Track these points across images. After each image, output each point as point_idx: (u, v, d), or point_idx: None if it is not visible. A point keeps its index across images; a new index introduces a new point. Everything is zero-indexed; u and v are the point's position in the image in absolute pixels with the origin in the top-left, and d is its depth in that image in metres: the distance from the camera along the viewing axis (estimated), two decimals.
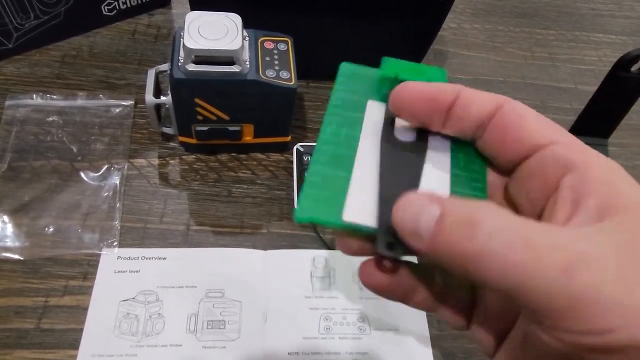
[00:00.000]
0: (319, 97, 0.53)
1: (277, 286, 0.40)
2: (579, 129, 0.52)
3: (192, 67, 0.38)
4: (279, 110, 0.43)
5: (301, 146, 0.48)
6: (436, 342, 0.40)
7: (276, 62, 0.41)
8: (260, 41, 0.42)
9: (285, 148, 0.48)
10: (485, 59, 0.62)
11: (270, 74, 0.40)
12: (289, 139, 0.47)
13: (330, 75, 0.54)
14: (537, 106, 0.59)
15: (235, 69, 0.39)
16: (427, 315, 0.41)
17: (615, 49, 0.65)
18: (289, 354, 0.37)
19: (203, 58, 0.38)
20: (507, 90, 0.58)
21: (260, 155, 0.48)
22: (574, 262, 0.15)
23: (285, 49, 0.42)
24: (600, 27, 0.69)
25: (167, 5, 0.57)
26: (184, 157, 0.46)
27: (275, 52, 0.42)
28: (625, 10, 0.71)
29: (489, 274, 0.16)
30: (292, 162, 0.47)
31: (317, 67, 0.54)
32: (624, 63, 0.46)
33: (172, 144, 0.47)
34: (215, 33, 0.38)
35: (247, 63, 0.39)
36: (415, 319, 0.40)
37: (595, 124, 0.51)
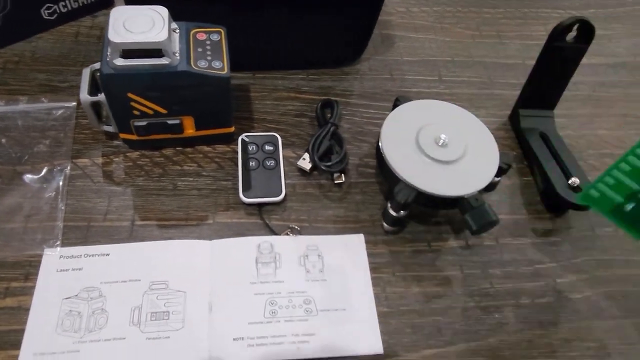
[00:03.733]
0: (264, 87, 0.54)
1: (222, 274, 0.40)
2: (525, 102, 0.53)
3: (120, 62, 0.38)
4: (216, 100, 0.43)
5: (246, 136, 0.48)
6: (383, 319, 0.40)
7: (208, 53, 0.41)
8: (192, 33, 0.42)
9: (230, 139, 0.48)
10: (433, 40, 0.62)
11: (202, 64, 0.40)
12: (232, 129, 0.47)
13: (274, 66, 0.55)
14: (484, 82, 0.60)
15: (164, 60, 0.39)
16: (374, 293, 0.41)
17: None
18: (234, 339, 0.37)
19: (130, 52, 0.38)
20: (454, 69, 0.59)
21: (206, 148, 0.48)
22: None
23: (218, 39, 0.43)
24: (549, 3, 0.70)
25: (111, 6, 0.57)
26: (128, 154, 0.46)
27: (208, 42, 0.42)
28: None
29: None
30: (237, 153, 0.47)
31: (261, 59, 0.54)
32: (557, 33, 0.47)
33: (116, 142, 0.47)
34: (141, 26, 0.38)
35: (177, 54, 0.40)
36: (362, 298, 0.41)
37: (539, 96, 0.52)
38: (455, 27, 0.64)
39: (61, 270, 0.39)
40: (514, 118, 0.54)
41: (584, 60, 0.64)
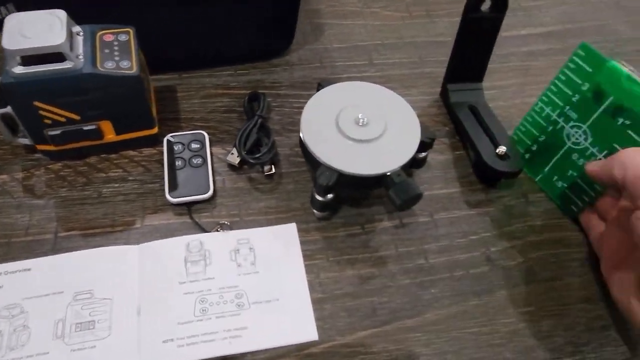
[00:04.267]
0: (191, 86, 0.53)
1: (151, 277, 0.39)
2: (452, 77, 0.53)
3: (19, 70, 0.37)
4: (129, 101, 0.42)
5: (171, 136, 0.47)
6: (318, 305, 0.40)
7: (116, 53, 0.40)
8: (98, 35, 0.41)
9: (156, 141, 0.47)
10: (362, 25, 0.62)
11: (109, 65, 0.40)
12: (155, 130, 0.46)
13: (201, 65, 0.54)
14: (415, 62, 0.60)
15: (66, 64, 0.38)
16: (308, 280, 0.41)
17: None
18: (164, 341, 0.37)
19: (29, 58, 0.37)
20: (385, 52, 0.59)
21: (131, 152, 0.47)
22: None
23: (127, 39, 0.42)
24: None
25: None
26: (49, 166, 0.45)
27: (116, 43, 0.41)
28: None
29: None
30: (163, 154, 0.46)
31: (185, 58, 0.53)
32: (471, 4, 0.47)
33: (37, 155, 0.46)
34: (38, 31, 0.37)
35: (81, 57, 0.39)
36: (296, 286, 0.40)
37: (464, 69, 0.52)
38: (384, 11, 0.64)
39: None
40: (444, 94, 0.54)
41: (514, 32, 0.65)
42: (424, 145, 0.43)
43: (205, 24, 0.49)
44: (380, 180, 0.40)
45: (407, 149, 0.41)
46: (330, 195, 0.41)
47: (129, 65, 0.40)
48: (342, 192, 0.42)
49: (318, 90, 0.46)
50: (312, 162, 0.42)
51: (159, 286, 0.39)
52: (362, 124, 0.42)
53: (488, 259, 0.43)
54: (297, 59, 0.57)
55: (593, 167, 0.39)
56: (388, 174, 0.40)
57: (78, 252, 0.40)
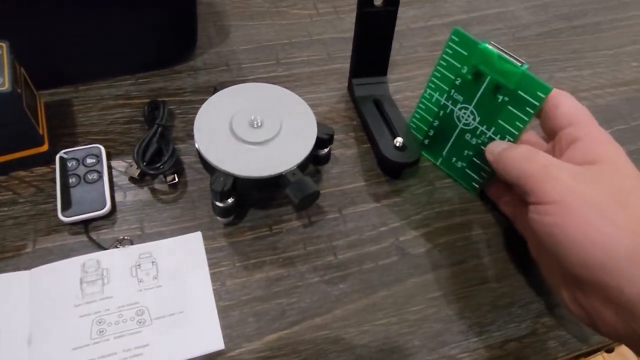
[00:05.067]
0: (89, 99, 0.51)
1: (43, 302, 0.37)
2: (355, 72, 0.53)
3: None
4: (7, 119, 0.40)
5: (65, 152, 0.45)
6: (224, 313, 0.39)
7: None
8: None
9: (49, 158, 0.45)
10: (270, 24, 0.61)
11: None
12: (45, 148, 0.44)
13: (98, 75, 0.52)
14: (323, 59, 0.60)
15: None
16: (214, 288, 0.40)
17: None
18: None
19: None
20: (292, 50, 0.59)
21: (22, 173, 0.44)
22: (549, 165, 0.35)
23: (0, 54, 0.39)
24: None
25: None
26: None
27: None
28: None
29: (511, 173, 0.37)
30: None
31: (79, 69, 0.51)
32: None
33: None
34: None
35: None
36: (201, 296, 0.39)
37: (366, 63, 0.52)
38: (292, 9, 0.64)
39: None
40: (350, 89, 0.54)
41: (421, 23, 0.66)
42: (322, 142, 0.43)
43: (97, 32, 0.47)
44: (278, 181, 0.40)
45: (303, 147, 0.41)
46: (230, 200, 0.40)
47: (1, 82, 0.38)
48: (245, 196, 0.42)
49: (214, 94, 0.45)
50: (208, 168, 0.41)
51: (52, 311, 0.37)
52: (256, 126, 0.41)
53: (397, 248, 0.44)
54: (202, 63, 0.56)
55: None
56: (284, 174, 0.39)
57: None
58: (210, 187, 0.39)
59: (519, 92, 0.39)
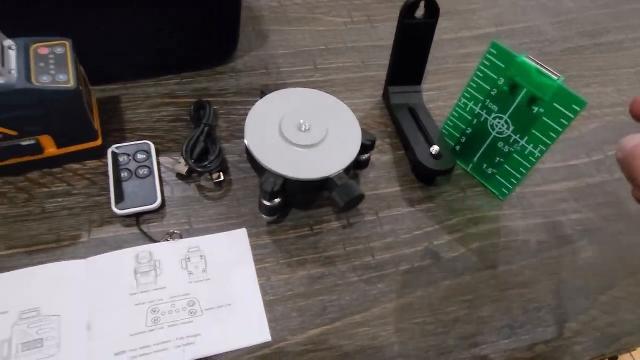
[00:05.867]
0: (137, 97, 0.53)
1: (100, 290, 0.39)
2: (392, 80, 0.55)
3: None
4: (69, 115, 0.41)
5: (116, 148, 0.47)
6: (270, 307, 0.41)
7: (52, 67, 0.40)
8: (32, 48, 0.40)
9: (101, 153, 0.47)
10: (306, 31, 0.63)
11: (45, 79, 0.39)
12: (99, 142, 0.46)
13: (145, 74, 0.54)
14: (358, 66, 0.62)
15: None
16: (260, 284, 0.42)
17: None
18: (115, 354, 0.37)
19: None
20: (329, 57, 0.61)
21: (75, 166, 0.46)
22: None
23: (63, 52, 0.41)
24: None
25: None
26: None
27: (52, 56, 0.41)
28: None
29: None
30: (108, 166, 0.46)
31: (129, 68, 0.53)
32: (406, 11, 0.49)
33: None
34: None
35: (14, 72, 0.38)
36: (248, 290, 0.41)
37: (403, 72, 0.54)
38: (327, 17, 0.66)
39: None
40: (386, 96, 0.56)
41: (451, 35, 0.68)
42: (365, 148, 0.45)
43: (146, 33, 0.49)
44: (324, 184, 0.42)
45: (348, 152, 0.43)
46: (277, 200, 0.42)
47: (66, 79, 0.40)
48: (290, 196, 0.44)
49: (261, 97, 0.47)
50: (258, 168, 0.43)
51: (109, 299, 0.39)
52: (304, 130, 0.43)
53: (431, 252, 0.46)
54: (243, 65, 0.58)
55: None
56: (331, 177, 0.41)
57: (23, 270, 0.39)
58: (260, 187, 0.41)
59: (555, 104, 0.41)
